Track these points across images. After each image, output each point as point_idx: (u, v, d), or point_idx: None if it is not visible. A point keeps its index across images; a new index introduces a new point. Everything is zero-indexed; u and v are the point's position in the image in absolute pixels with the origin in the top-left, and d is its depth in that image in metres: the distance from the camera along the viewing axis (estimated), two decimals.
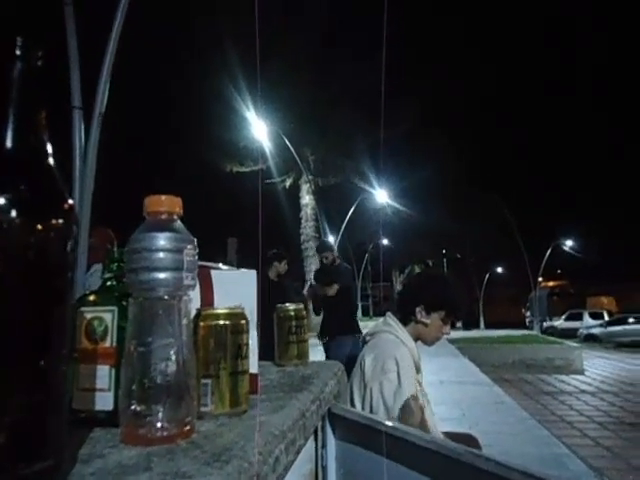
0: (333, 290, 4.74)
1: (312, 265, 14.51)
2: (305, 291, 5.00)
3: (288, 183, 15.54)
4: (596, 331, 23.53)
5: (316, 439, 1.01)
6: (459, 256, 33.66)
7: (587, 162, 34.52)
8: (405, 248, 26.70)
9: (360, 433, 0.93)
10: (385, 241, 25.59)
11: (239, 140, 13.80)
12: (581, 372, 11.86)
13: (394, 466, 0.86)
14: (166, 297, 0.54)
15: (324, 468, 1.01)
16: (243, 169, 15.01)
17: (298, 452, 0.76)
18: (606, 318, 25.67)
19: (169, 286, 0.53)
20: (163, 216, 0.56)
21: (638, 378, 10.98)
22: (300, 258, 15.11)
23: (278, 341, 1.10)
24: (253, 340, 0.78)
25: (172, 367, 0.53)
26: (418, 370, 1.90)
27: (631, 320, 22.27)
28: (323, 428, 0.99)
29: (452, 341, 14.73)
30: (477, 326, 32.20)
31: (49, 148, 0.43)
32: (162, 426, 0.52)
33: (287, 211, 15.20)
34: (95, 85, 3.78)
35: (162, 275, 0.53)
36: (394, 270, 30.13)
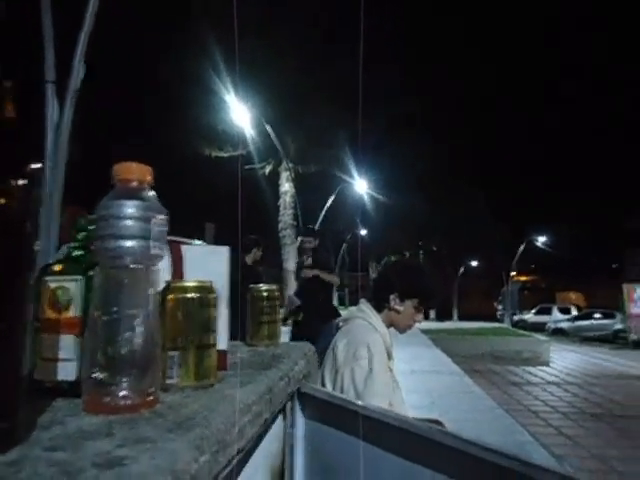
0: (314, 272, 4.75)
1: (289, 253, 14.49)
2: (286, 302, 4.94)
3: (268, 170, 15.42)
4: (564, 325, 24.27)
5: (285, 418, 1.02)
6: (435, 248, 34.12)
7: (560, 160, 35.29)
8: (382, 239, 26.90)
9: (329, 412, 0.94)
10: (363, 231, 25.74)
11: (218, 124, 13.60)
12: (548, 364, 12.24)
13: (361, 444, 0.87)
14: (132, 266, 0.53)
15: (292, 447, 1.02)
16: (222, 154, 14.82)
17: (265, 426, 0.76)
18: (574, 313, 26.50)
19: (135, 255, 0.52)
20: (133, 184, 0.55)
21: (602, 371, 11.39)
22: (277, 246, 15.07)
23: (250, 321, 1.10)
24: (223, 317, 0.78)
25: (137, 337, 0.52)
26: (390, 356, 1.93)
27: (597, 315, 23.03)
28: (292, 407, 1.00)
29: (425, 332, 14.99)
30: (450, 318, 32.82)
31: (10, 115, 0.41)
32: (125, 395, 0.51)
33: (266, 198, 15.10)
34: (70, 62, 3.67)
35: (129, 243, 0.52)
36: (371, 260, 30.37)
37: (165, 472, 0.36)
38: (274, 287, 1.12)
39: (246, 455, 0.89)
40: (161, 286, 0.65)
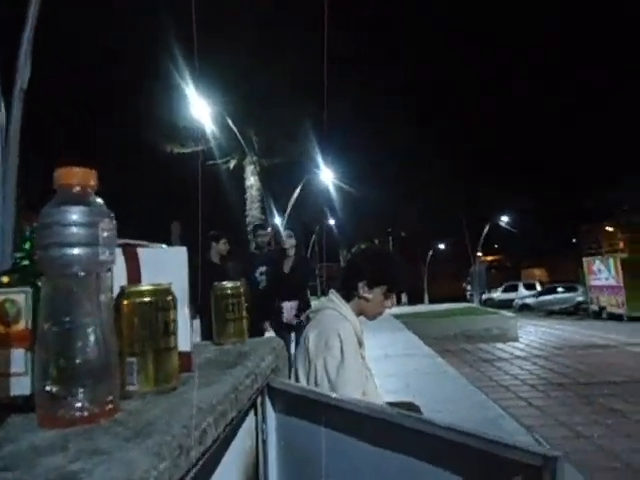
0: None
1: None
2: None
3: (232, 164, 15.21)
4: (529, 301, 25.14)
5: (256, 414, 1.02)
6: (404, 235, 34.62)
7: (521, 144, 36.27)
8: (352, 228, 27.12)
9: (300, 405, 0.94)
10: (332, 221, 25.84)
11: (179, 120, 13.31)
12: (516, 339, 12.67)
13: (333, 434, 0.88)
14: (81, 274, 0.51)
15: (264, 442, 1.02)
16: (184, 150, 14.52)
17: (232, 425, 0.76)
18: (538, 288, 27.47)
19: (83, 262, 0.51)
20: (76, 189, 0.53)
21: (566, 342, 11.88)
22: (247, 241, 14.94)
23: (215, 319, 1.08)
24: (184, 318, 0.77)
25: (90, 346, 0.51)
26: (361, 344, 1.95)
27: (560, 289, 23.96)
28: (262, 403, 1.00)
29: (397, 316, 15.22)
30: (422, 301, 33.46)
31: None
32: (82, 406, 0.50)
33: (232, 193, 14.92)
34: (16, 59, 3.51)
35: (75, 251, 0.50)
36: (341, 250, 30.55)
37: None
38: (238, 284, 1.11)
39: (217, 454, 0.89)
40: (115, 292, 0.63)
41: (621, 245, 30.33)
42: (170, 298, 0.63)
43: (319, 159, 15.39)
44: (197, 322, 4.09)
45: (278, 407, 1.02)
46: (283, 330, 4.59)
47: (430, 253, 37.29)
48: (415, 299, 31.26)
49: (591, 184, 30.27)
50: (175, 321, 0.64)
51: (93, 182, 0.54)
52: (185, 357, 0.77)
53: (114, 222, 0.55)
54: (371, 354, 2.08)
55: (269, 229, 5.60)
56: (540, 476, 0.56)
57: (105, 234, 0.53)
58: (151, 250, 0.79)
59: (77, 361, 0.50)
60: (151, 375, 0.60)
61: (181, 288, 0.73)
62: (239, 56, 13.14)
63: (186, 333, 0.79)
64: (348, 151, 17.66)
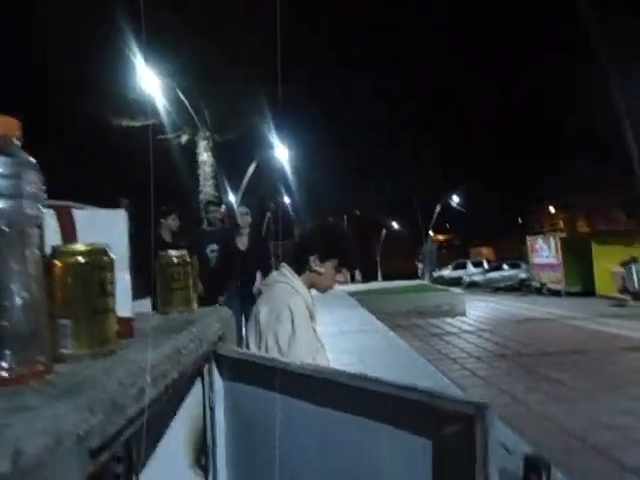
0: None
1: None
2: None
3: (184, 139, 14.73)
4: (477, 278, 26.22)
5: (203, 381, 1.01)
6: (358, 214, 35.03)
7: (471, 125, 37.17)
8: (307, 207, 27.12)
9: (246, 371, 0.94)
10: (287, 200, 25.72)
11: (129, 92, 12.69)
12: (464, 314, 13.24)
13: (279, 397, 0.89)
14: (4, 228, 0.48)
15: (212, 409, 1.02)
16: (134, 123, 13.89)
17: (178, 391, 0.75)
18: (485, 266, 28.68)
19: (6, 216, 0.47)
20: None
21: (510, 317, 12.53)
22: (200, 218, 14.61)
23: (160, 289, 1.06)
24: (124, 282, 0.74)
25: (17, 307, 0.48)
26: (312, 317, 1.97)
27: (505, 267, 25.10)
28: (210, 370, 0.99)
29: (352, 294, 15.49)
30: (375, 278, 34.17)
31: None
32: (9, 367, 0.47)
33: (185, 169, 14.48)
34: None
35: None
36: (296, 228, 30.57)
37: (45, 434, 0.34)
38: (184, 252, 1.08)
39: (164, 419, 0.88)
40: (48, 251, 0.60)
41: (561, 225, 32.09)
42: (107, 259, 0.61)
43: (274, 137, 15.19)
44: (148, 302, 3.99)
45: (225, 374, 1.01)
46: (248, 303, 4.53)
47: (384, 232, 38.00)
48: (369, 277, 31.90)
49: (537, 167, 31.59)
50: (112, 283, 0.62)
51: (16, 132, 0.51)
52: (125, 323, 0.75)
53: (41, 176, 0.52)
54: (326, 331, 2.12)
55: (222, 206, 5.49)
56: (472, 424, 0.59)
57: (30, 186, 0.50)
58: (87, 212, 0.76)
59: (3, 322, 0.48)
60: (86, 337, 0.58)
61: (120, 252, 0.70)
62: (190, 28, 12.63)
63: (126, 299, 0.76)
64: (303, 130, 17.53)
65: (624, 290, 13.93)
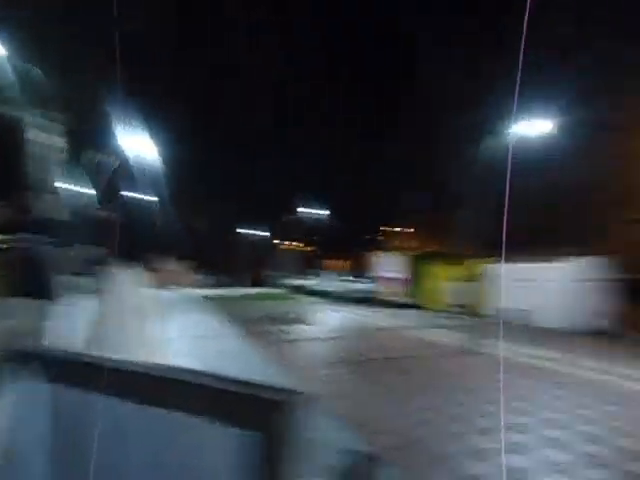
0: None
1: None
2: None
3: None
4: (330, 288, 27.61)
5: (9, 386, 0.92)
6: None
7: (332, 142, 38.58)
8: None
9: (59, 369, 0.88)
10: None
11: None
12: (314, 323, 13.84)
13: (100, 396, 0.85)
14: None
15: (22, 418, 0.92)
16: None
17: None
18: (341, 278, 30.50)
19: None
20: None
21: (359, 327, 13.45)
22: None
23: None
24: None
25: None
26: None
27: (357, 279, 27.02)
28: (14, 372, 0.90)
29: (209, 299, 15.14)
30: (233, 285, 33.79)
31: None
32: None
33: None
34: None
35: None
36: None
37: None
38: None
39: None
40: None
41: (401, 243, 35.85)
42: None
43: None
44: None
45: (47, 375, 0.93)
46: None
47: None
48: (226, 284, 31.43)
49: (389, 191, 34.42)
50: None
51: None
52: None
53: None
54: (176, 335, 2.04)
55: None
56: (292, 410, 0.65)
57: None
58: None
59: None
60: None
61: None
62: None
63: None
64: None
65: (451, 304, 16.15)
